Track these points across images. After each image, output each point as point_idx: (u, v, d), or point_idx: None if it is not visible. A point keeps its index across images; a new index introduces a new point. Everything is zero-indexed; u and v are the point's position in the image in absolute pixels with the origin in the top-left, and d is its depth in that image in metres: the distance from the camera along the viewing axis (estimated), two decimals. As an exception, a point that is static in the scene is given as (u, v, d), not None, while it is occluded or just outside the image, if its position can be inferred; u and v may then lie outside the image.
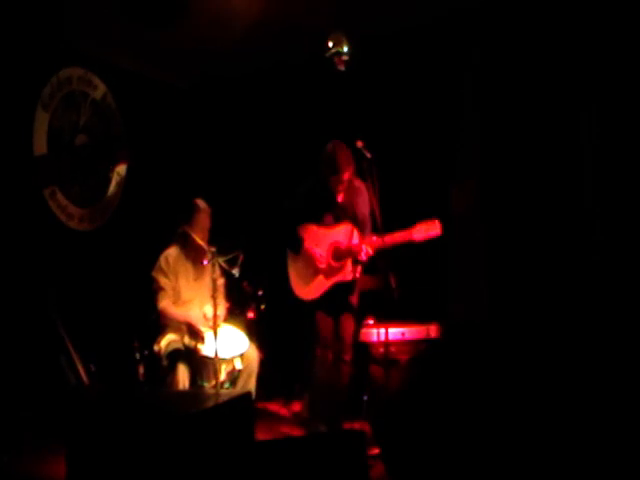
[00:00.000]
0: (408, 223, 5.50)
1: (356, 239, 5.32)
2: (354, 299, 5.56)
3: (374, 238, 5.17)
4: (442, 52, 6.40)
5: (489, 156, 6.21)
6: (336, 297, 5.42)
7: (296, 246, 5.43)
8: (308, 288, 5.40)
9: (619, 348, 5.13)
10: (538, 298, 5.80)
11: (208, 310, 5.25)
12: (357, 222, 5.39)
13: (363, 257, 5.21)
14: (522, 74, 5.97)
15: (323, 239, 5.40)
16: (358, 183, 5.41)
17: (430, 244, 6.41)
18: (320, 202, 5.44)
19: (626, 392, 4.72)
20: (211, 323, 5.08)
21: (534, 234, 5.91)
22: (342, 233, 5.36)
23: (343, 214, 5.41)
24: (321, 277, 5.38)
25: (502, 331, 5.79)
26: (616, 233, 5.57)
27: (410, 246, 6.28)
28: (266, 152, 6.95)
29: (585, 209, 5.74)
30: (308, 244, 5.38)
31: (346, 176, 5.28)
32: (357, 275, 5.40)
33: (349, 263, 5.37)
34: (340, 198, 5.41)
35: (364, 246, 5.19)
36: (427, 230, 5.21)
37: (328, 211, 5.44)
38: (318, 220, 5.44)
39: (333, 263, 5.37)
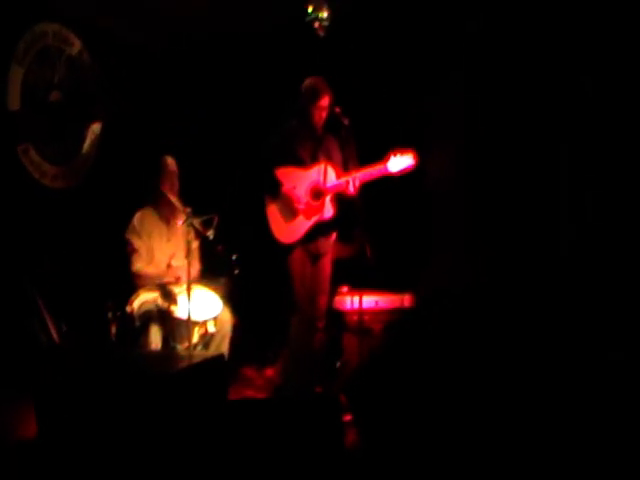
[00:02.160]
0: (383, 190, 5.55)
1: (332, 176, 5.39)
2: (333, 239, 5.64)
3: (350, 175, 5.28)
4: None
5: (472, 122, 6.19)
6: (317, 237, 5.49)
7: (274, 190, 5.44)
8: (289, 230, 5.46)
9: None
10: (517, 268, 5.81)
11: (174, 262, 5.34)
12: (333, 162, 5.48)
13: (351, 190, 5.26)
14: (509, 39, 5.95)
15: (300, 180, 5.45)
16: (330, 136, 5.57)
17: (408, 212, 6.47)
18: (296, 142, 5.51)
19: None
20: (176, 274, 5.25)
21: (515, 205, 5.90)
22: (318, 172, 5.40)
23: (319, 152, 5.49)
24: (301, 218, 5.45)
25: (479, 301, 5.84)
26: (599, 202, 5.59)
27: (386, 214, 6.31)
28: (242, 114, 6.89)
29: (565, 181, 5.74)
30: (286, 187, 5.41)
31: (325, 101, 5.40)
32: (335, 212, 5.48)
33: (328, 200, 5.41)
34: (317, 133, 5.51)
35: (350, 178, 5.23)
36: (402, 162, 5.30)
37: (305, 150, 5.50)
38: (295, 162, 5.47)
39: (312, 202, 5.41)
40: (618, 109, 5.41)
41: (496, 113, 5.98)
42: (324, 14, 6.17)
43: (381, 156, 5.36)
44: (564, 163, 5.68)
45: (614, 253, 5.35)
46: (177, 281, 5.30)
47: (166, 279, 5.34)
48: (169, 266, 5.42)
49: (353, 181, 5.25)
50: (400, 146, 5.36)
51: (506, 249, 5.87)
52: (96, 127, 6.52)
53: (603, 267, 5.37)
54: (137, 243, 5.45)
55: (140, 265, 5.44)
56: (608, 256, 5.38)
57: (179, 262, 5.40)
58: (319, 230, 5.49)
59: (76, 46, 6.36)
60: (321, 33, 6.25)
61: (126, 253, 5.46)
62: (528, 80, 5.82)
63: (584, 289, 5.39)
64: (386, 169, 5.30)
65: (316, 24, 6.19)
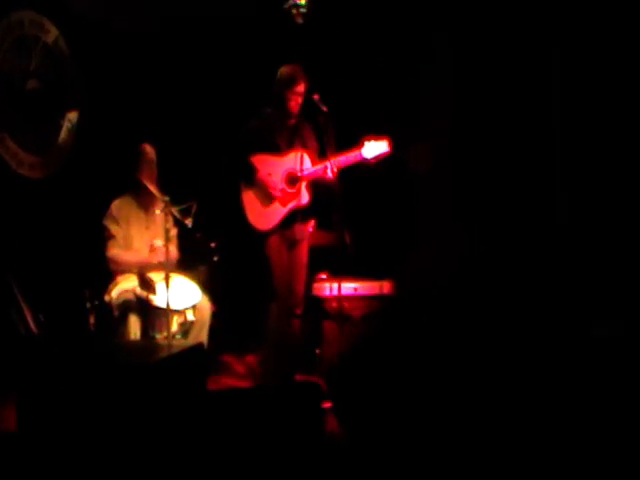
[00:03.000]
0: (363, 177, 5.56)
1: (308, 163, 5.42)
2: (309, 226, 5.66)
3: (327, 161, 5.27)
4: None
5: (459, 115, 6.21)
6: (293, 223, 5.51)
7: (250, 177, 5.44)
8: (265, 217, 5.47)
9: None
10: (503, 263, 5.84)
11: (156, 241, 5.33)
12: (308, 149, 5.51)
13: (330, 175, 5.27)
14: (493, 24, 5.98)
15: (276, 167, 5.46)
16: (306, 124, 5.60)
17: (389, 201, 6.49)
18: (272, 129, 5.52)
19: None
20: (159, 257, 5.19)
21: (502, 199, 5.94)
22: (293, 159, 5.43)
23: (295, 139, 5.51)
24: (277, 204, 5.46)
25: (463, 287, 5.87)
26: (584, 193, 5.62)
27: (366, 201, 6.32)
28: (221, 101, 6.86)
29: (555, 168, 5.77)
30: (262, 173, 5.41)
31: (301, 88, 5.41)
32: (310, 199, 5.51)
33: (303, 187, 5.43)
34: (293, 120, 5.53)
35: (328, 163, 5.24)
36: (377, 148, 5.34)
37: (281, 137, 5.51)
38: (270, 149, 5.48)
39: (288, 189, 5.42)
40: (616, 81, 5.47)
41: (486, 84, 6.01)
42: (302, 1, 6.16)
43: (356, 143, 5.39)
44: (558, 134, 5.72)
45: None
46: (160, 264, 5.26)
47: (149, 262, 5.33)
48: (152, 247, 5.39)
49: (331, 166, 5.25)
50: (375, 133, 5.39)
51: (495, 233, 5.90)
52: (73, 115, 6.47)
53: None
54: (114, 229, 5.43)
55: (116, 251, 5.41)
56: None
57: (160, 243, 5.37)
58: (295, 217, 5.50)
59: (52, 33, 6.30)
60: (299, 21, 6.24)
61: (102, 239, 5.44)
62: (517, 53, 5.86)
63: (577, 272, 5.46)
64: (361, 155, 5.33)
65: (294, 11, 6.18)
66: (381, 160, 5.38)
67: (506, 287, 5.71)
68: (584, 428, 4.09)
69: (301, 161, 5.38)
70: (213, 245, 5.90)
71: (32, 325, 5.25)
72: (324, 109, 5.23)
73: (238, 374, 6.14)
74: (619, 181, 5.45)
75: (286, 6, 6.17)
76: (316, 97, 5.27)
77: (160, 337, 5.11)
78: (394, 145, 5.39)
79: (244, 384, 5.85)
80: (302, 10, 6.16)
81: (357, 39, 6.57)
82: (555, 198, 5.73)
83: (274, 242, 5.47)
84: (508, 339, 5.20)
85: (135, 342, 5.05)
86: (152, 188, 5.31)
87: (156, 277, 5.17)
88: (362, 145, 5.34)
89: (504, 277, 5.78)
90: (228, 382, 5.89)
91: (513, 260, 5.79)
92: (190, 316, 5.25)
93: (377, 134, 5.37)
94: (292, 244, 5.55)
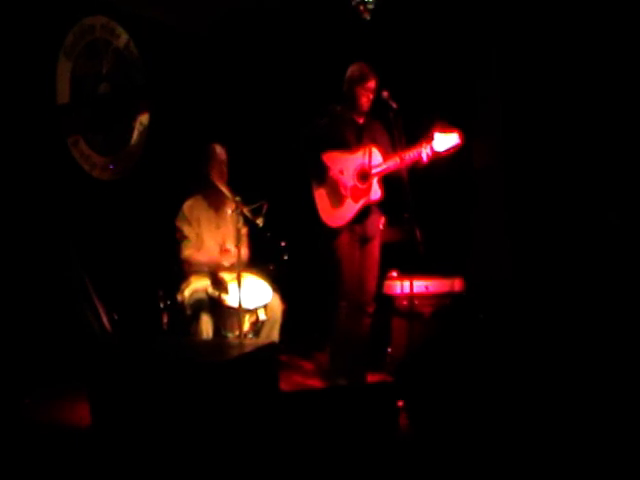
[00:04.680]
0: (431, 174, 5.52)
1: (378, 158, 5.37)
2: (381, 223, 5.63)
3: (397, 155, 5.24)
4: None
5: (510, 112, 6.16)
6: (365, 219, 5.47)
7: (321, 175, 5.43)
8: (337, 214, 5.42)
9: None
10: (560, 257, 5.77)
11: (228, 244, 5.37)
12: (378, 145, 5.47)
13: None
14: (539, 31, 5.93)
15: (347, 164, 5.42)
16: (375, 121, 5.56)
17: (456, 197, 6.44)
18: (341, 127, 5.50)
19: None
20: (230, 258, 5.25)
21: (557, 194, 5.86)
22: (363, 155, 5.38)
23: (364, 135, 5.48)
24: (349, 201, 5.40)
25: (523, 290, 5.81)
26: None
27: (436, 198, 6.28)
28: (290, 100, 6.89)
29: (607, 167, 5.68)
30: (333, 171, 5.40)
31: (372, 84, 5.40)
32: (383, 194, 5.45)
33: (375, 183, 5.39)
34: (362, 118, 5.52)
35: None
36: (448, 141, 5.27)
37: (350, 134, 5.48)
38: (340, 146, 5.46)
39: (359, 185, 5.38)
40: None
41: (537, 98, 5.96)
42: (369, -4, 6.15)
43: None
44: (604, 147, 5.65)
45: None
46: (231, 266, 5.30)
47: (221, 263, 5.38)
48: (225, 250, 5.44)
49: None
50: (443, 124, 5.34)
51: (550, 239, 5.85)
52: (144, 118, 6.57)
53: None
54: (187, 230, 5.49)
55: (190, 252, 5.47)
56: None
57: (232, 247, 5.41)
58: (367, 213, 5.48)
59: (123, 38, 6.41)
60: (367, 17, 6.22)
61: (176, 240, 5.51)
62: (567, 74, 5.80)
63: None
64: (432, 149, 5.28)
65: (362, 7, 6.16)
66: (453, 153, 5.32)
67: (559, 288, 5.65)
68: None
69: (370, 156, 5.34)
70: (283, 244, 5.91)
71: (106, 324, 5.34)
72: (394, 105, 5.20)
73: (307, 372, 6.14)
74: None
75: (353, 3, 6.15)
76: (385, 94, 5.24)
77: (232, 336, 5.14)
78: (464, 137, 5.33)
79: (313, 382, 5.85)
80: (369, 6, 6.14)
81: (421, 35, 6.55)
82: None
83: (345, 240, 5.44)
84: (575, 337, 5.13)
85: (207, 341, 5.08)
86: (223, 188, 5.34)
87: (228, 277, 5.22)
88: (432, 138, 5.29)
89: (556, 279, 5.71)
90: (297, 380, 5.89)
91: (565, 264, 5.72)
92: (262, 315, 5.27)
93: (445, 124, 5.33)
94: (364, 241, 5.52)
